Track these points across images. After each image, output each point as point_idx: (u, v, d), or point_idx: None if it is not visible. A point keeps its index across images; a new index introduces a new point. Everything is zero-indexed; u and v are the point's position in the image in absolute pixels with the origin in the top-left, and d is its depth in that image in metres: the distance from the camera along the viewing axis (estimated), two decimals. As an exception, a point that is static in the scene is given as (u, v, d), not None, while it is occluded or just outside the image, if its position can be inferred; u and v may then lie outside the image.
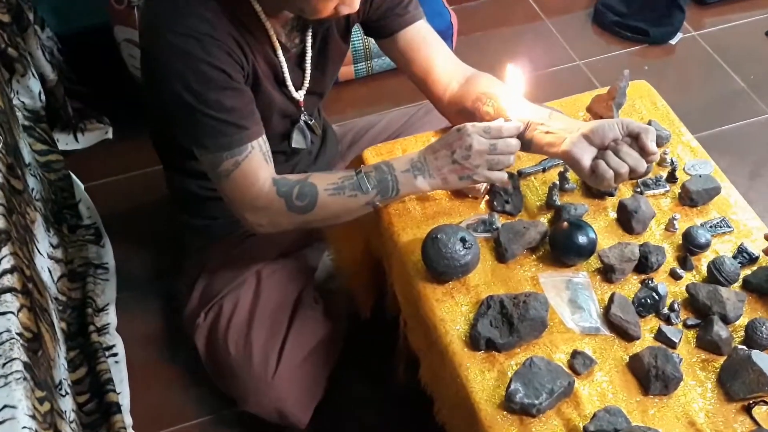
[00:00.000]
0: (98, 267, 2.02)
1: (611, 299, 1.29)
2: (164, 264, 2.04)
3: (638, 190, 1.47)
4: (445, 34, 2.51)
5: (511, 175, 1.44)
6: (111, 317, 1.93)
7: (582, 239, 1.33)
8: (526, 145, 1.39)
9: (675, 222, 1.40)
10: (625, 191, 1.47)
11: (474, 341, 1.25)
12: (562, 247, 1.34)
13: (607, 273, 1.34)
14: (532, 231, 1.37)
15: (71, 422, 1.56)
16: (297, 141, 1.61)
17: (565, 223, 1.35)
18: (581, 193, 1.47)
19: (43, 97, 2.08)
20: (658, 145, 1.53)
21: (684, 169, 1.50)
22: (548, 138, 1.37)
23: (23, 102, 2.03)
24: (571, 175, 1.48)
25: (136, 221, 2.14)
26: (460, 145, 1.34)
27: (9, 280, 1.37)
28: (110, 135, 2.37)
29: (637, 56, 2.60)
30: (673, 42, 2.62)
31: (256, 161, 1.38)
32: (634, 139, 1.30)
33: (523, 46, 2.63)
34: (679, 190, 1.46)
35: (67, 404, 1.57)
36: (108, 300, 1.96)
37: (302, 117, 1.58)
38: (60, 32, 2.33)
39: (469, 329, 1.27)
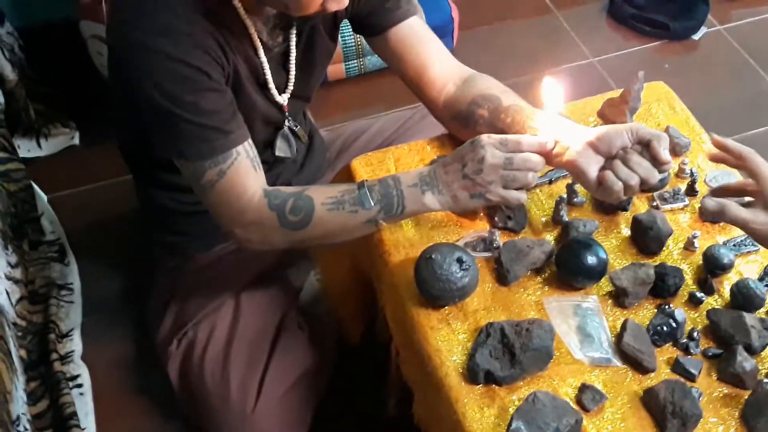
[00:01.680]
0: (62, 288, 2.01)
1: (624, 327, 1.28)
2: (135, 285, 2.03)
3: (654, 204, 1.46)
4: (445, 29, 2.52)
5: (514, 189, 1.44)
6: (76, 344, 1.93)
7: (591, 260, 1.32)
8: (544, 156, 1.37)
9: (695, 240, 1.39)
10: (639, 206, 1.46)
11: (472, 374, 1.24)
12: (570, 268, 1.33)
13: (619, 297, 1.33)
14: (536, 250, 1.36)
15: (29, 462, 1.56)
16: (281, 149, 1.60)
17: (573, 242, 1.35)
18: (591, 208, 1.47)
19: (1, 99, 2.08)
20: (677, 153, 1.53)
21: (705, 180, 1.50)
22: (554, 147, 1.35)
23: (-22, 105, 2.04)
24: (580, 187, 1.47)
25: (105, 237, 2.14)
26: (473, 157, 1.31)
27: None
28: (76, 141, 2.37)
29: (656, 53, 2.60)
30: (696, 37, 2.62)
31: (243, 169, 1.36)
32: (645, 147, 1.28)
33: (530, 42, 2.64)
34: (700, 205, 1.45)
35: (24, 442, 1.57)
36: (73, 325, 1.96)
37: (286, 123, 1.57)
38: (21, 27, 2.33)
39: (467, 360, 1.26)
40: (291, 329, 1.66)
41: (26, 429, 1.60)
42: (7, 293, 1.77)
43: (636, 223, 1.40)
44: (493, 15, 2.73)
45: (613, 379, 1.25)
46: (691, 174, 1.49)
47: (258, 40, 1.41)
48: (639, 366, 1.25)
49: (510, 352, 1.24)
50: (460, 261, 1.30)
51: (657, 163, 1.27)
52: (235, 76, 1.39)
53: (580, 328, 1.30)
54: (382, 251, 1.43)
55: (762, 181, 1.22)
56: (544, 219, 1.45)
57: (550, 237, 1.43)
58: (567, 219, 1.43)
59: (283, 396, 1.60)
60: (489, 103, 1.44)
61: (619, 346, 1.27)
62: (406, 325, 1.36)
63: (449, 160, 1.34)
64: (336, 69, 2.50)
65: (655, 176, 1.27)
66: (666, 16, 2.62)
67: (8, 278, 1.79)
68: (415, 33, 1.52)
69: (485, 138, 1.31)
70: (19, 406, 1.60)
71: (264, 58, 1.44)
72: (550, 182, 1.51)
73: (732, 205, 1.22)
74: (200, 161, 1.35)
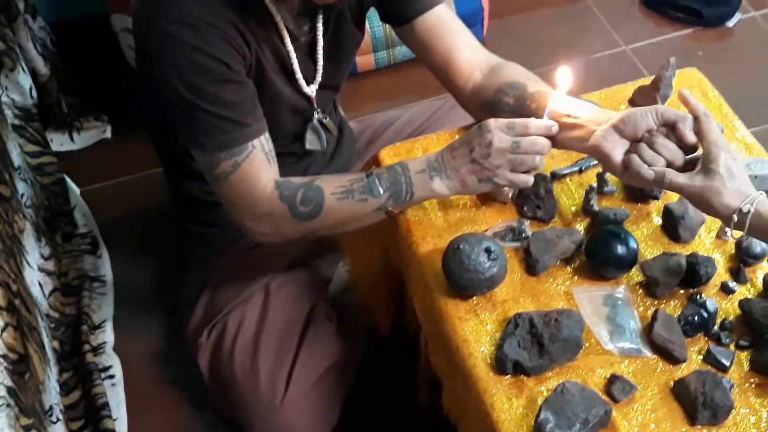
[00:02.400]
0: (94, 280, 2.04)
1: (654, 317, 1.27)
2: (167, 276, 2.05)
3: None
4: (475, 18, 2.51)
5: (543, 177, 1.43)
6: (108, 335, 1.95)
7: (621, 249, 1.31)
8: (551, 139, 1.36)
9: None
10: (671, 194, 1.44)
11: (500, 364, 1.24)
12: (600, 258, 1.33)
13: (650, 287, 1.32)
14: (566, 240, 1.35)
15: (61, 451, 1.58)
16: (311, 142, 1.61)
17: (603, 231, 1.34)
18: (622, 197, 1.45)
19: (34, 93, 2.11)
20: (710, 141, 1.51)
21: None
22: (575, 132, 1.33)
23: (13, 99, 2.06)
24: (610, 176, 1.46)
25: (136, 229, 2.16)
26: (480, 142, 1.31)
27: (-8, 297, 1.39)
28: (108, 134, 2.39)
29: (689, 40, 2.56)
30: (730, 24, 2.58)
31: (258, 162, 1.38)
32: (671, 129, 1.26)
33: (562, 31, 2.62)
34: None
35: None
36: (105, 316, 1.98)
37: (315, 114, 1.58)
38: (53, 21, 2.35)
39: (495, 350, 1.26)
40: (320, 320, 1.67)
41: (59, 419, 1.63)
42: (41, 285, 1.80)
43: (667, 212, 1.39)
44: (523, 3, 2.71)
45: (643, 370, 1.24)
46: (724, 162, 1.47)
47: (284, 29, 1.41)
48: (670, 356, 1.24)
49: (538, 343, 1.23)
50: (488, 251, 1.30)
51: (683, 144, 1.25)
52: (258, 66, 1.40)
53: (610, 319, 1.29)
54: (410, 241, 1.43)
55: (707, 144, 1.21)
56: (573, 209, 1.44)
57: (580, 227, 1.42)
58: (597, 208, 1.42)
59: (312, 386, 1.61)
60: (515, 90, 1.43)
61: (649, 336, 1.26)
62: (434, 316, 1.37)
63: (457, 144, 1.35)
64: (365, 60, 2.50)
65: (680, 158, 1.25)
66: (699, 3, 2.58)
67: (41, 270, 1.82)
68: (443, 22, 1.51)
69: (492, 122, 1.32)
70: (52, 396, 1.63)
71: (291, 47, 1.44)
72: (580, 171, 1.50)
73: (669, 172, 1.22)
74: (216, 152, 1.36)
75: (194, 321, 1.74)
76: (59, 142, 2.33)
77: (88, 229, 2.15)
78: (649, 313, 1.29)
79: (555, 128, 1.33)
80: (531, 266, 1.36)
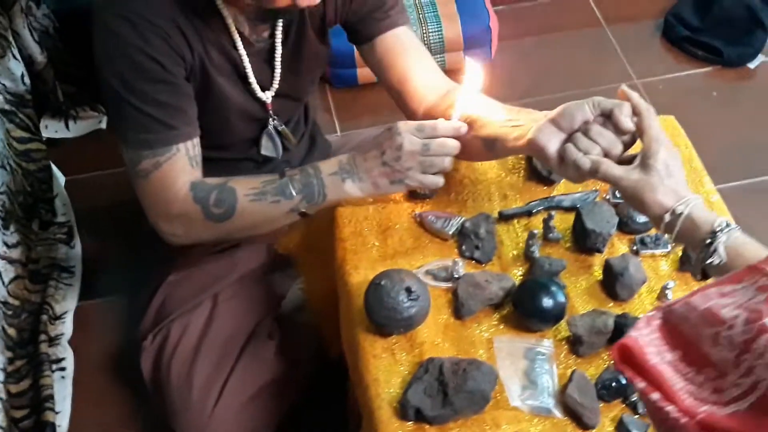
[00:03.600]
0: (64, 270, 2.06)
1: (570, 378, 1.23)
2: (135, 275, 2.05)
3: (634, 248, 1.39)
4: (482, 39, 2.47)
5: (485, 217, 1.40)
6: (67, 327, 1.97)
7: (547, 302, 1.27)
8: (490, 144, 1.34)
9: (668, 291, 1.32)
10: (618, 248, 1.39)
11: (402, 409, 1.21)
12: (524, 308, 1.29)
13: (574, 344, 1.28)
14: (494, 286, 1.32)
15: (-6, 440, 1.60)
16: (266, 148, 1.62)
17: (531, 282, 1.30)
18: (568, 246, 1.41)
19: (27, 80, 2.13)
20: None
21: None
22: (514, 132, 1.30)
23: (4, 84, 2.09)
24: (556, 223, 1.42)
25: (114, 225, 2.17)
26: (390, 145, 1.33)
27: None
28: (104, 125, 2.41)
29: (706, 79, 2.48)
30: (752, 66, 2.49)
31: (179, 166, 1.39)
32: (608, 118, 1.22)
33: (573, 57, 2.56)
34: (682, 253, 1.37)
35: (-8, 420, 1.61)
36: (67, 308, 2.00)
37: (271, 121, 1.58)
38: (57, 9, 2.38)
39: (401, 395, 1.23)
40: (261, 337, 1.66)
41: (-4, 409, 1.65)
42: (0, 273, 1.82)
43: (607, 267, 1.34)
44: (538, 26, 2.65)
45: (552, 432, 1.20)
46: (681, 218, 1.41)
47: (236, 32, 1.43)
48: (579, 421, 1.20)
49: (443, 392, 1.20)
50: (408, 290, 1.27)
51: (619, 132, 1.21)
52: (201, 68, 1.41)
53: (526, 373, 1.25)
54: (343, 270, 1.41)
55: (647, 139, 1.17)
56: (515, 252, 1.40)
57: (519, 271, 1.38)
58: (537, 255, 1.38)
59: (244, 404, 1.60)
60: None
61: (562, 396, 1.22)
62: (353, 349, 1.35)
63: (368, 147, 1.36)
64: (366, 72, 2.47)
65: (618, 147, 1.21)
66: (720, 41, 2.49)
67: (2, 258, 1.84)
68: (401, 43, 1.51)
69: (402, 125, 1.34)
70: (-9, 384, 1.64)
71: (243, 51, 1.45)
72: (530, 214, 1.45)
73: (606, 162, 1.18)
74: (140, 150, 1.38)
75: (145, 323, 1.74)
76: (54, 129, 2.36)
77: (67, 218, 2.18)
78: (570, 371, 1.25)
79: (463, 129, 1.34)
80: (457, 309, 1.32)
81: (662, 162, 1.15)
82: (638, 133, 1.20)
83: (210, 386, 1.60)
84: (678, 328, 0.76)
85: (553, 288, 1.28)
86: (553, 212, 1.42)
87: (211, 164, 1.51)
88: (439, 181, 1.37)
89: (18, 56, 2.10)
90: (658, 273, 1.37)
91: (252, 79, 1.48)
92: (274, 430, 1.66)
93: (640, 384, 0.74)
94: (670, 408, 0.72)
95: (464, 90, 1.34)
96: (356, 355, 1.32)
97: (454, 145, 1.34)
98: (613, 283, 1.33)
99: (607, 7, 2.70)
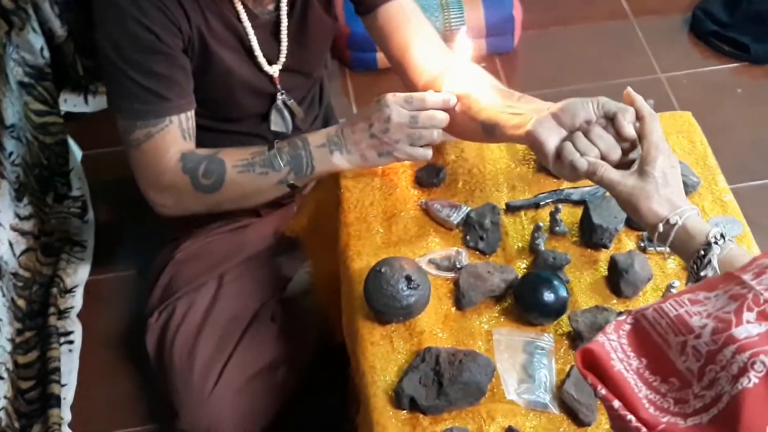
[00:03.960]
0: (76, 244, 2.08)
1: (568, 373, 1.21)
2: (146, 252, 2.06)
3: (642, 245, 1.37)
4: (505, 27, 2.45)
5: (491, 208, 1.38)
6: (77, 301, 1.99)
7: (548, 296, 1.25)
8: (490, 128, 1.32)
9: (673, 290, 1.30)
10: (625, 243, 1.38)
11: (397, 398, 1.21)
12: (525, 302, 1.27)
13: (574, 340, 1.26)
14: (496, 277, 1.30)
15: (-1, 409, 1.62)
16: (275, 123, 1.62)
17: (533, 275, 1.28)
18: (574, 240, 1.39)
19: (46, 53, 2.14)
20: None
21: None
22: (513, 120, 1.28)
23: (23, 57, 2.10)
24: (564, 216, 1.40)
25: (127, 199, 2.15)
26: (379, 117, 1.33)
27: (-70, 255, 1.42)
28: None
29: (732, 76, 2.43)
30: (779, 63, 2.44)
31: (171, 137, 1.40)
32: (610, 121, 1.20)
33: (598, 49, 2.52)
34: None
35: (-4, 389, 1.63)
36: (78, 281, 2.02)
37: (279, 96, 1.58)
38: (82, -17, 2.39)
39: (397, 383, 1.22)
40: (263, 320, 1.66)
41: (1, 377, 1.66)
42: (11, 244, 1.84)
43: (612, 263, 1.32)
44: (563, 16, 2.62)
45: (546, 427, 1.19)
46: (691, 217, 1.39)
47: (240, 4, 1.43)
48: (575, 417, 1.19)
49: (438, 382, 1.19)
50: (408, 279, 1.26)
51: (621, 138, 1.19)
52: (201, 40, 1.41)
53: (524, 367, 1.24)
54: (346, 255, 1.40)
55: (647, 145, 1.15)
56: (519, 245, 1.39)
57: (523, 264, 1.36)
58: (543, 248, 1.36)
59: (244, 384, 1.60)
60: (465, 99, 1.39)
61: (560, 392, 1.21)
62: (352, 335, 1.34)
63: (356, 119, 1.37)
64: (386, 56, 2.47)
65: (616, 152, 1.18)
66: (748, 37, 2.44)
67: (14, 229, 1.86)
68: (404, 13, 1.50)
69: (390, 97, 1.34)
70: (-3, 354, 1.66)
71: (248, 24, 1.46)
72: (537, 207, 1.44)
73: (604, 165, 1.16)
74: (132, 119, 1.40)
75: (152, 300, 1.75)
76: (73, 103, 2.37)
77: (81, 192, 2.19)
78: (568, 367, 1.24)
79: (453, 101, 1.34)
80: (458, 300, 1.31)
81: (660, 170, 1.13)
82: (639, 137, 1.17)
83: (211, 365, 1.60)
84: (647, 334, 0.75)
85: (556, 282, 1.26)
86: (560, 205, 1.40)
87: (222, 136, 1.51)
88: (428, 153, 1.36)
89: (38, 29, 2.11)
90: (664, 271, 1.35)
91: (258, 53, 1.49)
92: (273, 413, 1.66)
93: (602, 391, 0.74)
94: (630, 417, 0.71)
95: (454, 62, 1.34)
96: (355, 341, 1.32)
97: (443, 117, 1.34)
98: (617, 280, 1.31)
99: (637, -1, 2.66)
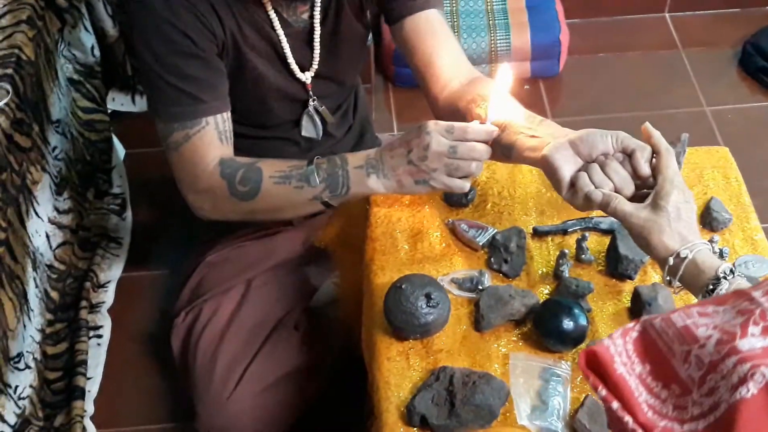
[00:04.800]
0: (112, 240, 2.12)
1: (582, 402, 1.21)
2: (181, 251, 2.10)
3: (667, 279, 1.36)
4: (551, 51, 2.44)
5: (518, 231, 1.38)
6: (109, 296, 2.02)
7: (567, 324, 1.25)
8: (507, 150, 1.33)
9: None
10: (651, 276, 1.37)
11: (409, 415, 1.21)
12: (544, 328, 1.27)
13: (592, 369, 1.25)
14: (517, 301, 1.30)
15: (22, 398, 1.65)
16: (307, 129, 1.64)
17: (553, 301, 1.28)
18: (599, 269, 1.39)
19: (96, 52, 2.20)
20: (713, 229, 1.42)
21: (734, 265, 1.37)
22: (530, 142, 1.29)
23: (74, 55, 2.15)
24: (591, 244, 1.40)
25: (166, 200, 2.20)
26: (418, 143, 1.31)
27: (-34, 242, 1.46)
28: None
29: (780, 113, 2.41)
30: (830, 104, 2.40)
31: (209, 139, 1.43)
32: (628, 157, 1.21)
33: (644, 78, 2.51)
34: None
35: (22, 379, 1.66)
36: (111, 277, 2.06)
37: (311, 102, 1.60)
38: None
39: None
40: (286, 327, 1.68)
41: (29, 367, 1.70)
42: (48, 236, 1.88)
43: (636, 295, 1.31)
44: (610, 42, 2.61)
45: (557, 455, 1.19)
46: (721, 254, 1.36)
47: (273, 12, 1.46)
48: (586, 447, 1.18)
49: (451, 402, 1.19)
50: (428, 296, 1.27)
51: (636, 175, 1.20)
52: (234, 46, 1.44)
53: (539, 393, 1.24)
54: (370, 269, 1.41)
55: (661, 179, 1.16)
56: (543, 270, 1.39)
57: (546, 290, 1.36)
58: (567, 275, 1.36)
59: (263, 391, 1.61)
60: (486, 103, 1.39)
61: (572, 421, 1.20)
62: (370, 349, 1.35)
63: (396, 144, 1.35)
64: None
65: (630, 188, 1.20)
66: (800, 75, 2.42)
67: (52, 222, 1.90)
68: (430, 25, 1.51)
69: (432, 124, 1.31)
70: (26, 344, 1.70)
71: (281, 32, 1.48)
72: (565, 233, 1.43)
73: (617, 198, 1.18)
74: (170, 122, 1.43)
75: (180, 300, 1.78)
76: (120, 102, 2.42)
77: (122, 190, 2.23)
78: (583, 396, 1.23)
79: (495, 133, 1.30)
80: (477, 321, 1.31)
81: (673, 204, 1.13)
82: (654, 172, 1.18)
83: (231, 370, 1.62)
84: (653, 342, 0.76)
85: (576, 310, 1.26)
86: (588, 233, 1.40)
87: (253, 142, 1.54)
88: (465, 185, 1.34)
89: (89, 28, 2.16)
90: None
91: (291, 60, 1.52)
92: (291, 421, 1.67)
93: (603, 391, 0.76)
94: (628, 419, 0.73)
95: (496, 93, 1.31)
96: (372, 355, 1.33)
97: (484, 149, 1.31)
98: (640, 312, 1.30)
99: (686, 30, 2.64)
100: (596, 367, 0.77)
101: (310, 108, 1.60)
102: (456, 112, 1.45)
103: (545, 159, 1.24)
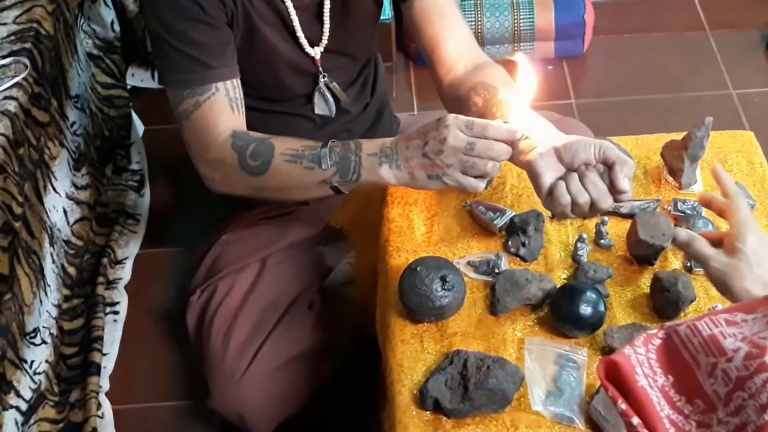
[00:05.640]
0: (130, 216, 2.12)
1: (599, 389, 1.19)
2: (198, 228, 2.09)
3: (688, 265, 1.34)
4: (575, 31, 2.41)
5: (536, 215, 1.36)
6: (126, 272, 2.02)
7: (584, 309, 1.23)
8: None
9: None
10: (672, 262, 1.34)
11: (421, 398, 1.20)
12: (560, 313, 1.25)
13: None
14: (533, 286, 1.28)
15: (37, 373, 1.66)
16: (319, 106, 1.62)
17: (570, 286, 1.26)
18: (619, 254, 1.36)
19: (116, 27, 2.19)
20: (735, 215, 1.40)
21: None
22: (519, 145, 1.27)
23: (94, 30, 2.15)
24: (611, 228, 1.37)
25: (184, 177, 2.20)
26: (435, 136, 1.25)
27: (-19, 216, 1.46)
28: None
29: (808, 97, 2.36)
30: None
31: (219, 107, 1.41)
32: (609, 169, 1.20)
33: (669, 59, 2.46)
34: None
35: (38, 354, 1.67)
36: (128, 254, 2.06)
37: (321, 78, 1.58)
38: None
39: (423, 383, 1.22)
40: (300, 307, 1.66)
41: (44, 342, 1.70)
42: (65, 212, 1.88)
43: (655, 281, 1.29)
44: (636, 23, 2.57)
45: (571, 442, 1.17)
46: (743, 240, 1.34)
47: None
48: (601, 434, 1.17)
49: (464, 386, 1.18)
50: (443, 279, 1.25)
51: (614, 189, 1.20)
52: (245, 16, 1.43)
53: (554, 379, 1.22)
54: (386, 250, 1.40)
55: (735, 223, 1.15)
56: (561, 254, 1.37)
57: (563, 275, 1.34)
58: (585, 260, 1.34)
59: (275, 370, 1.60)
60: (486, 92, 1.38)
61: (587, 408, 1.18)
62: (384, 330, 1.34)
63: (413, 135, 1.30)
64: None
65: (607, 202, 1.20)
66: (828, 58, 2.36)
67: (70, 198, 1.90)
68: (438, 7, 1.50)
69: (451, 118, 1.25)
70: (43, 319, 1.70)
71: (290, 4, 1.47)
72: (585, 216, 1.41)
73: (700, 240, 1.18)
74: (179, 89, 1.43)
75: (196, 278, 1.78)
76: (140, 78, 2.41)
77: (140, 167, 2.23)
78: (599, 383, 1.21)
79: (518, 134, 1.25)
80: (493, 305, 1.30)
81: (751, 248, 1.13)
82: (725, 215, 1.18)
83: (245, 348, 1.61)
84: (677, 351, 0.73)
85: (594, 295, 1.24)
86: (607, 217, 1.38)
87: (267, 117, 1.52)
88: (479, 185, 1.27)
89: (109, 2, 2.15)
90: (708, 293, 1.31)
91: (300, 33, 1.50)
92: (304, 401, 1.66)
93: (622, 405, 0.72)
94: None
95: (519, 92, 1.26)
96: (386, 337, 1.32)
97: (503, 150, 1.24)
98: (659, 298, 1.28)
99: (714, 11, 2.59)
100: (616, 378, 0.74)
101: (321, 84, 1.58)
102: (457, 98, 1.43)
103: (529, 164, 1.25)
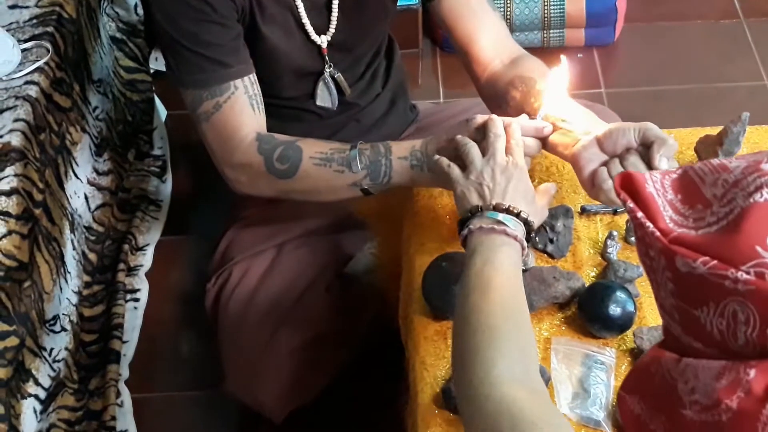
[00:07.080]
0: (152, 203, 2.11)
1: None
2: (220, 215, 2.08)
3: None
4: (607, 18, 2.37)
5: (565, 210, 1.33)
6: (147, 259, 2.01)
7: (614, 309, 1.20)
8: (542, 142, 1.31)
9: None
10: (704, 262, 1.30)
11: (445, 397, 1.17)
12: (588, 312, 1.22)
13: (638, 358, 1.21)
14: (561, 284, 1.25)
15: (57, 361, 1.65)
16: (322, 98, 1.60)
17: (599, 285, 1.23)
18: (650, 252, 1.33)
19: (140, 10, 2.17)
20: None
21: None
22: (562, 139, 1.28)
23: (117, 13, 2.13)
24: (641, 226, 1.34)
25: (206, 163, 2.17)
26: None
27: (2, 204, 1.45)
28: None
29: None
30: None
31: (240, 106, 1.39)
32: (648, 150, 1.19)
33: (702, 49, 2.42)
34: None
35: (58, 341, 1.66)
36: (150, 240, 2.05)
37: (326, 69, 1.55)
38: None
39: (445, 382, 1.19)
40: (318, 289, 1.64)
41: (64, 329, 1.70)
42: (87, 198, 1.87)
43: (687, 281, 1.26)
44: (669, 11, 2.52)
45: (597, 446, 1.14)
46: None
47: None
48: (629, 440, 1.14)
49: (488, 387, 1.16)
50: (469, 276, 1.22)
51: (651, 168, 1.18)
52: (250, 14, 1.40)
53: (581, 380, 1.19)
54: (410, 244, 1.38)
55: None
56: (591, 251, 1.33)
57: (592, 273, 1.31)
58: (615, 258, 1.31)
59: (289, 354, 1.58)
60: (524, 85, 1.37)
61: (615, 410, 1.16)
62: (407, 326, 1.32)
63: (443, 141, 1.30)
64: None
65: None
66: None
67: (91, 184, 1.89)
68: (468, 3, 1.47)
69: (479, 119, 1.26)
70: (63, 306, 1.69)
71: None
72: (614, 213, 1.38)
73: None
74: (197, 90, 1.39)
75: (212, 265, 1.76)
76: (163, 62, 2.39)
77: (162, 152, 2.22)
78: (628, 386, 1.18)
79: (547, 130, 1.27)
80: (519, 303, 1.27)
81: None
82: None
83: (259, 331, 1.59)
84: (689, 178, 0.85)
85: (624, 295, 1.21)
86: (639, 214, 1.34)
87: (272, 109, 1.50)
88: None
89: (133, -14, 2.13)
90: (743, 295, 1.27)
91: (305, 20, 1.47)
92: (319, 388, 1.64)
93: (630, 204, 0.85)
94: (649, 224, 0.83)
95: (551, 88, 1.27)
96: (408, 333, 1.30)
97: (533, 145, 1.28)
98: (689, 300, 1.24)
99: (749, -1, 2.54)
100: (629, 187, 0.86)
101: (326, 75, 1.55)
102: (496, 94, 1.42)
103: (573, 158, 1.25)
